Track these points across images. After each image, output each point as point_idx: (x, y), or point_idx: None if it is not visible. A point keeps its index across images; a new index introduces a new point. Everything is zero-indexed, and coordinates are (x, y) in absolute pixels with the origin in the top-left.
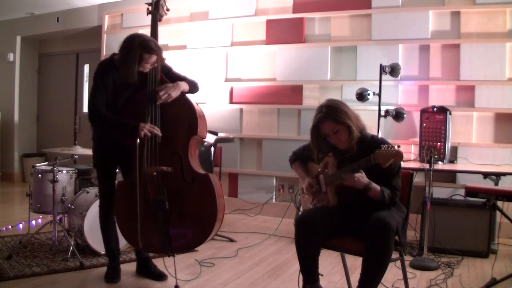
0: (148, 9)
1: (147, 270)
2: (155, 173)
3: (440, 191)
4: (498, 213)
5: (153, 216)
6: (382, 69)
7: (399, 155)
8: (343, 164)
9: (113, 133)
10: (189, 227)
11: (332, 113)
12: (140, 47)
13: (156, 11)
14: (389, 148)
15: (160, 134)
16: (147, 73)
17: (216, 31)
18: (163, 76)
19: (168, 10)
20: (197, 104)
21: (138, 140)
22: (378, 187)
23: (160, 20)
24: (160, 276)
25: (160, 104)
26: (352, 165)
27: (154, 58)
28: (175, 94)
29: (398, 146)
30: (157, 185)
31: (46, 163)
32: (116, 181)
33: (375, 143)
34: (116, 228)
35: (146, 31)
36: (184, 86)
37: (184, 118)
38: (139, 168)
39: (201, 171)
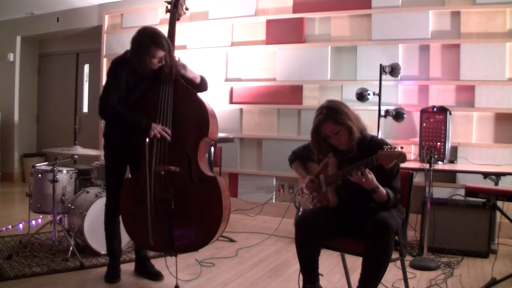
0: (167, 7)
1: (144, 270)
2: (162, 172)
3: (440, 191)
4: (498, 213)
5: (158, 215)
6: (382, 69)
7: (402, 157)
8: (343, 165)
9: (122, 129)
10: (193, 228)
11: (333, 114)
12: (149, 38)
13: (174, 10)
14: (392, 149)
15: (169, 139)
16: (161, 71)
17: (216, 31)
18: (177, 76)
19: (187, 9)
20: (209, 104)
21: (147, 140)
22: (384, 191)
23: (178, 19)
24: (156, 276)
25: (173, 103)
26: (354, 165)
27: (161, 53)
28: (189, 71)
29: (401, 148)
30: (164, 185)
31: (46, 163)
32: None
33: (374, 143)
34: (120, 228)
35: None
36: (196, 75)
37: (195, 118)
38: (148, 166)
39: (209, 173)
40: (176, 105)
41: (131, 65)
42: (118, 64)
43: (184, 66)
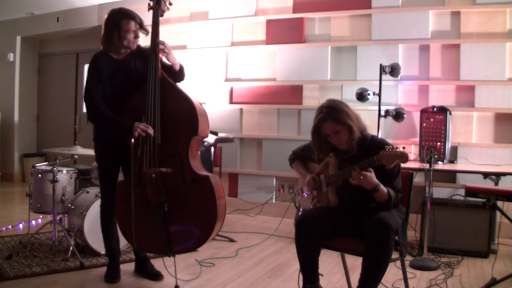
0: (149, 4)
1: (144, 270)
2: (153, 175)
3: (440, 191)
4: (498, 213)
5: (152, 217)
6: (382, 69)
7: (404, 157)
8: (343, 165)
9: (111, 131)
10: (189, 228)
11: (333, 114)
12: (117, 14)
13: (157, 7)
14: (394, 149)
15: (152, 134)
16: (148, 64)
17: (216, 31)
18: (163, 74)
19: (170, 4)
20: (199, 103)
21: (132, 140)
22: (385, 190)
23: (161, 16)
24: (156, 276)
25: (160, 103)
26: (355, 165)
27: (132, 24)
28: (172, 57)
29: (403, 148)
30: (156, 187)
31: (46, 163)
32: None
33: (375, 143)
34: (117, 228)
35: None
36: (177, 62)
37: (184, 117)
38: (138, 168)
39: (202, 172)
40: (164, 105)
41: (109, 51)
42: (97, 57)
43: (168, 50)
